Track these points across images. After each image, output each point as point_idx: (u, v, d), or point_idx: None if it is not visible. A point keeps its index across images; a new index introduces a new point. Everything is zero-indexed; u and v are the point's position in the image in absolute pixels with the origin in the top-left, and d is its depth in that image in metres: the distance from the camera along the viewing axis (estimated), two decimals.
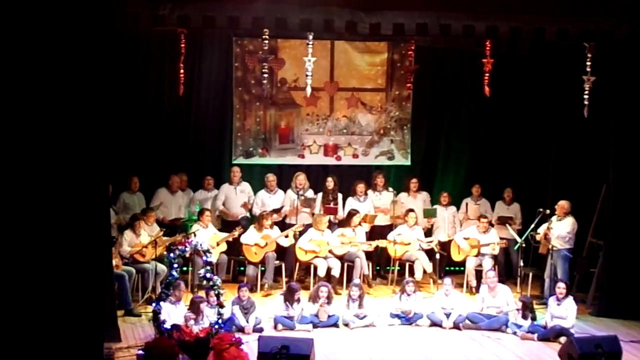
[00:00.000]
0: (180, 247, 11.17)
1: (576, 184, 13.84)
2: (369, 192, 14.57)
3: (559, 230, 12.93)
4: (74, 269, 9.36)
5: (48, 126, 9.30)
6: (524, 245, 13.09)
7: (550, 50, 13.76)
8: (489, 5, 10.70)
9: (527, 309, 11.82)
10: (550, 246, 12.92)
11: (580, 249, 13.42)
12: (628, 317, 12.36)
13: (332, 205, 14.16)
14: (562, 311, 11.61)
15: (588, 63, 11.73)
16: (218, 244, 13.25)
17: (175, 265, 10.98)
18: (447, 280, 12.35)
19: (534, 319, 11.76)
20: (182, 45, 12.58)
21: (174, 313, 10.87)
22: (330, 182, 14.30)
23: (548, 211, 13.05)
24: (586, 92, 11.76)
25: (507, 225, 13.96)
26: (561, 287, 11.75)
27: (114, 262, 11.54)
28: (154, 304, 10.94)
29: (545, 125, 14.60)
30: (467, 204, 14.65)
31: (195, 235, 12.49)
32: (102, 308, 10.03)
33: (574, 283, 13.20)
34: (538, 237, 13.09)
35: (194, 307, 10.83)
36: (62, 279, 9.27)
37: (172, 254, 11.07)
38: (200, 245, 11.26)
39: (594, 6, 10.67)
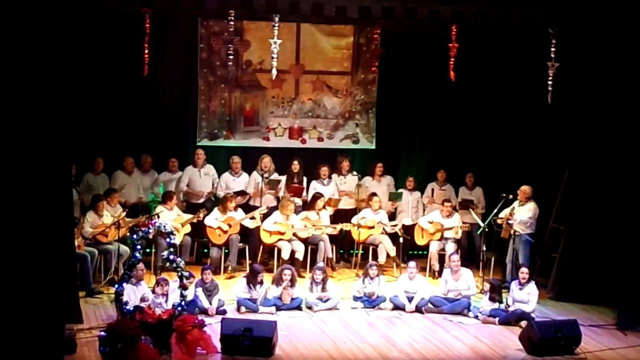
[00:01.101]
0: (143, 229, 11.14)
1: (539, 169, 13.95)
2: (334, 175, 14.58)
3: (521, 215, 13.03)
4: (36, 249, 9.29)
5: (10, 106, 9.21)
6: (486, 229, 13.18)
7: (515, 35, 13.81)
8: None
9: (493, 292, 11.90)
10: (512, 231, 13.02)
11: (541, 233, 13.53)
12: (588, 302, 12.49)
13: (297, 185, 14.16)
14: (524, 295, 11.71)
15: (552, 49, 11.79)
16: (182, 226, 13.21)
17: (138, 247, 10.95)
18: (412, 263, 12.41)
19: (499, 302, 11.84)
20: (147, 25, 12.49)
21: (135, 294, 10.84)
22: (295, 165, 14.30)
23: (511, 196, 13.14)
24: (550, 78, 11.82)
25: (470, 209, 14.05)
26: (524, 271, 11.85)
27: (76, 243, 11.46)
28: (116, 285, 10.90)
29: (510, 110, 14.66)
30: (432, 189, 14.71)
31: (158, 217, 12.42)
32: (64, 289, 9.97)
33: (535, 268, 13.32)
34: (500, 222, 13.18)
35: (159, 288, 10.84)
36: (23, 260, 9.20)
37: (135, 236, 11.03)
38: (164, 227, 11.22)
39: None
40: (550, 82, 11.82)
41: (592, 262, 12.57)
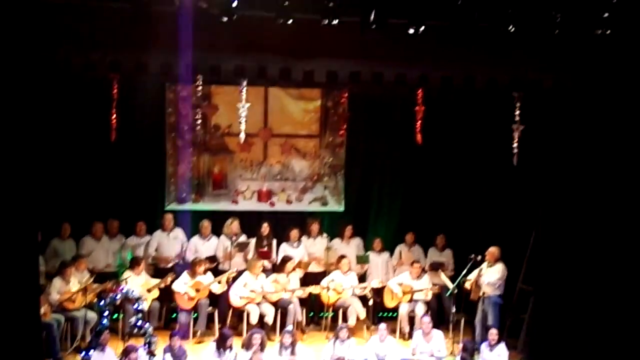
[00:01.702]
0: (111, 295, 11.06)
1: (506, 231, 14.01)
2: (303, 238, 14.56)
3: (489, 276, 13.07)
4: (0, 317, 9.17)
5: None
6: (456, 291, 13.18)
7: (481, 97, 14.00)
8: (421, 54, 10.85)
9: (466, 352, 11.85)
10: (481, 292, 13.03)
11: (510, 294, 13.55)
12: None
13: (266, 249, 14.13)
14: (494, 357, 11.71)
15: (517, 112, 11.94)
16: (150, 291, 13.09)
17: (106, 313, 10.85)
18: (382, 325, 12.38)
19: None
20: (114, 90, 12.52)
21: None
22: (265, 228, 14.27)
23: (479, 257, 13.18)
24: (515, 140, 11.95)
25: (439, 271, 14.06)
26: (493, 333, 11.88)
27: (42, 311, 11.31)
28: (82, 353, 10.76)
29: (476, 172, 14.78)
30: (400, 251, 14.73)
31: (126, 283, 12.32)
32: (29, 358, 9.81)
33: (504, 329, 13.31)
34: (469, 284, 13.20)
35: (126, 356, 10.70)
36: None
37: (102, 302, 10.92)
38: (132, 292, 11.12)
39: (522, 56, 10.89)
40: (515, 145, 11.94)
41: (561, 322, 12.57)
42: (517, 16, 10.27)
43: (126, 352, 10.79)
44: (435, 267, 14.23)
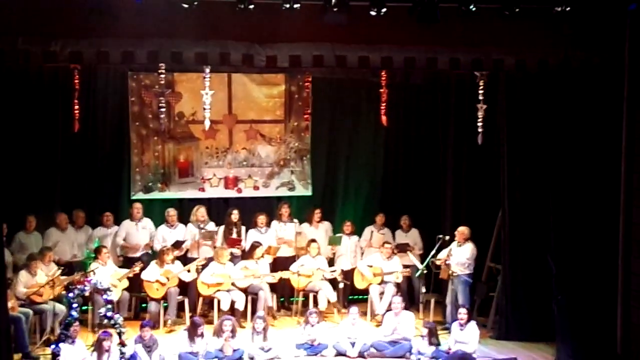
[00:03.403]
0: (79, 286, 10.98)
1: (473, 210, 14.10)
2: (274, 223, 14.54)
3: (459, 256, 13.13)
4: None
5: None
6: (425, 271, 13.25)
7: (443, 78, 14.05)
8: (383, 37, 10.84)
9: (432, 335, 11.94)
10: (450, 272, 13.11)
11: (479, 273, 13.65)
12: (527, 339, 12.58)
13: (235, 237, 14.11)
14: (465, 336, 11.78)
15: (480, 91, 11.99)
16: (119, 281, 13.03)
17: (75, 305, 10.77)
18: (353, 309, 12.43)
19: (437, 344, 11.89)
20: (76, 81, 12.40)
21: (73, 353, 10.63)
22: (235, 215, 14.22)
23: (447, 237, 13.26)
24: (479, 119, 12.01)
25: (408, 252, 14.11)
26: (462, 312, 11.95)
27: (9, 304, 11.20)
28: (52, 346, 10.69)
29: (442, 152, 14.84)
30: (371, 232, 14.74)
31: (94, 274, 12.26)
32: None
33: (474, 308, 13.41)
34: (438, 263, 13.27)
35: (99, 346, 10.67)
36: None
37: (71, 294, 10.86)
38: (100, 283, 11.06)
39: (484, 36, 10.92)
40: (480, 124, 11.99)
41: (530, 299, 12.70)
42: None
43: (99, 341, 10.76)
44: (402, 248, 14.26)
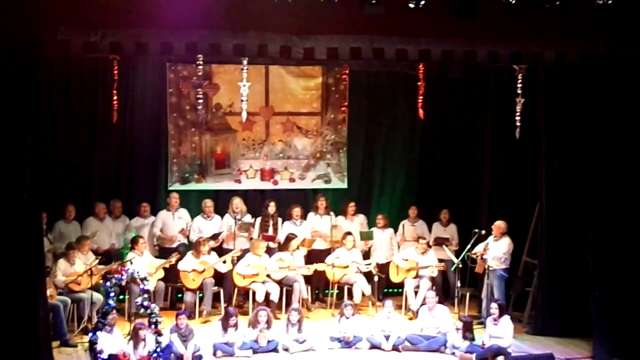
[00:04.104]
0: (116, 276, 11.03)
1: (510, 204, 14.00)
2: (310, 215, 14.56)
3: (496, 250, 13.06)
4: (7, 301, 9.21)
5: None
6: (460, 265, 13.20)
7: (482, 72, 13.96)
8: (421, 29, 10.81)
9: (466, 330, 11.90)
10: (486, 266, 13.05)
11: (515, 268, 13.57)
12: (563, 335, 12.52)
13: (271, 230, 14.14)
14: (499, 331, 11.72)
15: (519, 85, 11.90)
16: (155, 271, 13.12)
17: (112, 294, 10.84)
18: (388, 302, 12.42)
19: (472, 339, 11.85)
20: (115, 72, 12.50)
21: (110, 342, 10.73)
22: (272, 207, 14.26)
23: (484, 232, 13.19)
24: (517, 113, 11.93)
25: (444, 246, 14.07)
26: (494, 307, 11.88)
27: (48, 292, 11.33)
28: (90, 334, 10.78)
29: (479, 146, 14.75)
30: (403, 226, 14.73)
31: (131, 263, 12.37)
32: (37, 340, 9.85)
33: (510, 302, 13.34)
34: (474, 257, 13.20)
35: (136, 334, 10.76)
36: None
37: (108, 283, 10.93)
38: (137, 273, 11.12)
39: (524, 29, 10.85)
40: (518, 118, 11.91)
41: (566, 295, 12.62)
42: None
43: (135, 330, 10.85)
44: (440, 242, 14.23)
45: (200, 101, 12.19)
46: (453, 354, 11.78)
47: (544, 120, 12.56)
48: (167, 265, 13.31)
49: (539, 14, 10.46)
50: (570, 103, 12.18)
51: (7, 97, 9.34)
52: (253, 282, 13.42)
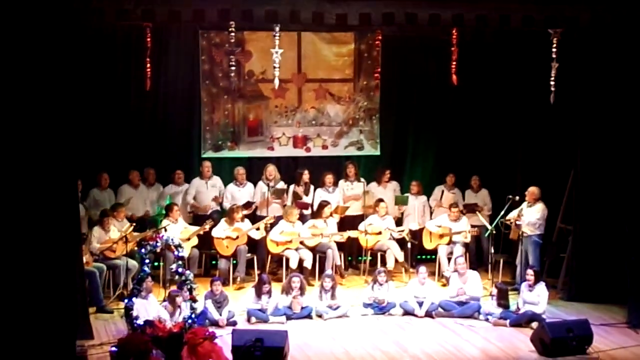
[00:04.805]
0: (151, 243, 11.12)
1: (544, 170, 13.89)
2: (341, 182, 14.57)
3: (530, 216, 13.00)
4: (44, 266, 9.33)
5: (14, 125, 9.25)
6: (494, 232, 13.16)
7: (515, 37, 13.81)
8: None
9: (501, 297, 11.88)
10: (520, 232, 12.99)
11: (550, 234, 13.50)
12: (598, 301, 12.47)
13: (304, 198, 14.16)
14: (534, 297, 11.70)
15: (553, 49, 11.77)
16: (189, 239, 13.21)
17: (147, 261, 10.93)
18: (422, 269, 12.42)
19: (506, 306, 11.83)
20: (148, 39, 12.54)
21: (145, 308, 10.84)
22: (306, 175, 14.28)
23: (517, 197, 13.11)
24: (552, 78, 11.81)
25: (476, 212, 14.02)
26: (530, 273, 11.85)
27: (84, 259, 11.46)
28: (125, 300, 10.90)
29: (513, 112, 14.64)
30: (442, 192, 14.66)
31: (166, 230, 12.46)
32: (74, 305, 9.98)
33: (544, 269, 13.30)
34: (508, 223, 13.15)
35: (171, 301, 10.87)
36: (32, 277, 9.23)
37: (143, 250, 11.02)
38: (172, 240, 11.19)
39: None
40: (552, 83, 11.79)
41: (601, 260, 12.55)
42: None
43: (171, 298, 10.95)
44: (470, 208, 14.18)
45: (233, 68, 12.18)
46: (487, 320, 11.78)
47: (579, 85, 12.42)
48: (201, 232, 13.39)
49: None
50: (607, 68, 12.02)
51: (43, 66, 9.39)
52: (286, 249, 13.47)
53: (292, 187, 14.33)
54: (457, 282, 12.26)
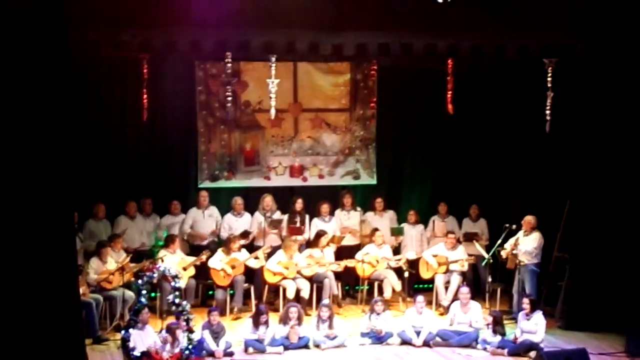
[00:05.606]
0: (148, 273, 11.08)
1: (540, 199, 13.93)
2: (337, 211, 14.57)
3: (526, 245, 13.00)
4: (40, 298, 9.28)
5: (10, 156, 9.24)
6: (491, 261, 13.15)
7: (511, 66, 13.88)
8: (450, 24, 10.77)
9: (496, 324, 11.86)
10: (517, 261, 12.98)
11: (546, 263, 13.49)
12: (596, 330, 12.43)
13: (298, 225, 14.15)
14: (532, 326, 11.67)
15: (549, 79, 11.83)
16: (186, 269, 13.17)
17: (144, 292, 10.89)
18: (420, 298, 12.38)
19: (502, 334, 11.80)
20: (145, 70, 12.55)
21: (142, 339, 10.79)
22: (299, 204, 14.29)
23: (514, 226, 13.12)
24: (548, 107, 11.86)
25: (474, 241, 14.02)
26: (525, 302, 11.83)
27: (80, 290, 11.41)
28: (122, 331, 10.85)
29: (509, 141, 14.69)
30: (434, 222, 14.70)
31: (162, 261, 12.43)
32: (70, 337, 9.93)
33: (541, 297, 13.27)
34: (505, 253, 13.15)
35: (172, 334, 10.82)
36: (28, 309, 9.18)
37: (139, 281, 10.99)
38: (168, 270, 11.17)
39: (553, 22, 10.78)
40: (548, 112, 11.84)
41: (599, 289, 12.53)
42: None
43: (171, 331, 10.88)
44: (469, 237, 14.20)
45: (229, 99, 12.26)
46: (485, 349, 11.73)
47: (574, 114, 12.46)
48: (198, 263, 13.36)
49: (568, 5, 10.38)
50: (602, 98, 12.06)
51: (39, 97, 9.40)
52: (283, 278, 13.44)
53: (286, 216, 14.31)
54: (459, 312, 12.23)
